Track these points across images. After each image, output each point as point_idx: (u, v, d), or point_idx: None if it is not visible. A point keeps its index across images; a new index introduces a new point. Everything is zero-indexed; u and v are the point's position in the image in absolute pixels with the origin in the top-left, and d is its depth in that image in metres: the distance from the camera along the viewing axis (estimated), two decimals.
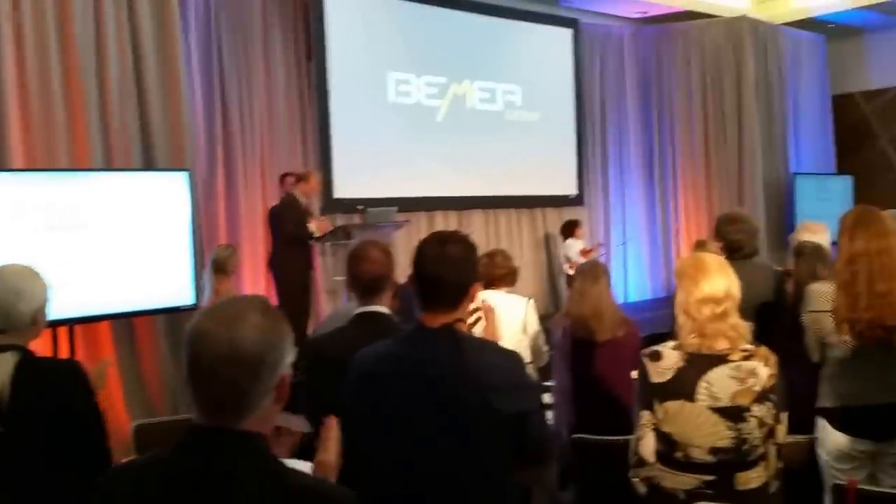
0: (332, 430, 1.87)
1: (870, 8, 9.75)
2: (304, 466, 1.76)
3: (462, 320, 2.07)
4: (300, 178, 6.81)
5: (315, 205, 7.17)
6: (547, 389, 4.05)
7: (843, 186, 10.43)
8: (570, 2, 9.29)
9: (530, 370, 3.99)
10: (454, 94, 8.64)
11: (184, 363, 1.34)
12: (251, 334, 1.31)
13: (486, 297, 3.93)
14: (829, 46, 11.20)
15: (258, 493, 1.29)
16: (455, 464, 1.93)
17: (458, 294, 2.02)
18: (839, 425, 3.19)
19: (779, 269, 4.16)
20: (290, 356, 1.39)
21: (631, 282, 10.03)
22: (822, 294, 3.29)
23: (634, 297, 9.85)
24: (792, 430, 3.07)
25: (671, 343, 2.40)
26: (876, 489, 2.98)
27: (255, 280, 7.18)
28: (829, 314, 3.18)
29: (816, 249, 3.85)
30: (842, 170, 11.07)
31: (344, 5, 7.81)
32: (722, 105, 10.12)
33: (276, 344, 1.35)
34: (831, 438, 3.20)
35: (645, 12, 9.86)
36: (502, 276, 4.06)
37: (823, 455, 3.23)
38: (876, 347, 3.11)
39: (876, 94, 11.13)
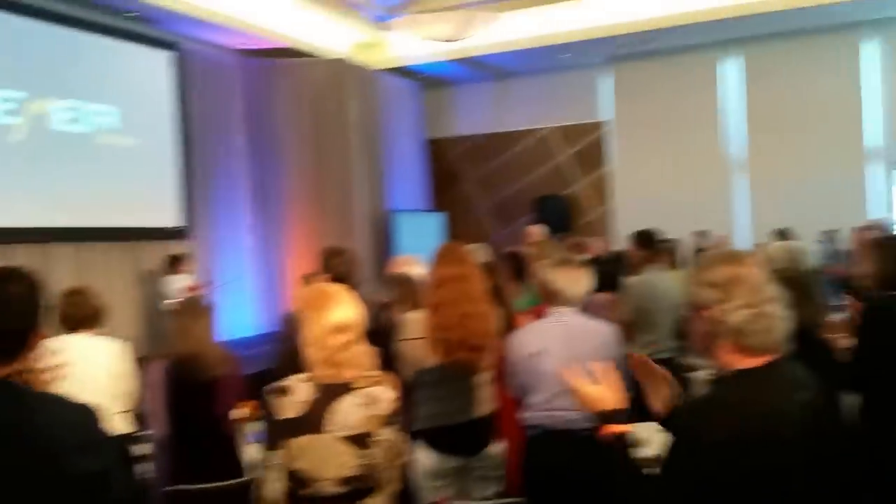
0: None
1: (456, 61, 10.92)
2: None
3: (23, 371, 1.75)
4: None
5: None
6: (140, 440, 3.72)
7: (436, 223, 11.46)
8: (169, 25, 8.87)
9: (123, 419, 3.63)
10: (34, 112, 7.67)
11: None
12: None
13: (69, 341, 3.51)
14: (423, 94, 12.31)
15: None
16: None
17: (16, 342, 1.71)
18: (431, 445, 3.39)
19: (379, 300, 4.37)
20: None
21: (238, 317, 9.82)
22: (414, 322, 3.50)
23: (241, 333, 9.64)
24: None
25: (301, 376, 2.31)
26: (459, 501, 3.21)
27: None
28: (421, 340, 3.38)
29: (406, 280, 4.11)
30: (435, 207, 12.18)
31: None
32: (327, 143, 10.48)
33: None
34: (424, 458, 3.38)
35: (247, 45, 9.82)
36: (87, 316, 3.65)
37: (418, 475, 3.39)
38: (461, 368, 3.38)
39: (462, 140, 12.49)
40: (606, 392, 1.95)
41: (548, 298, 3.30)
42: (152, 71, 8.95)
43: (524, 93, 11.96)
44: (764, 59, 10.52)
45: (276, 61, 10.27)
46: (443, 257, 3.55)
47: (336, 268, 4.04)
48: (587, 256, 7.35)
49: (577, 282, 3.28)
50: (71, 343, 3.48)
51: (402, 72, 11.41)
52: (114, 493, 1.77)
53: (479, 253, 5.54)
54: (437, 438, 3.40)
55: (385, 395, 2.33)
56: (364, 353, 2.36)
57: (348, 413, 2.26)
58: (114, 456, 1.90)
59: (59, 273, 7.24)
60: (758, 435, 1.65)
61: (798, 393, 1.76)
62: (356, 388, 2.29)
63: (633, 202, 10.99)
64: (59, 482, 1.65)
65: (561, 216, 11.27)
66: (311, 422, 2.25)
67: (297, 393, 2.28)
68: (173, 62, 9.14)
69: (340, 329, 2.30)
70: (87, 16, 8.13)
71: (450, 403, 3.41)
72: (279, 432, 2.27)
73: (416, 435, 3.38)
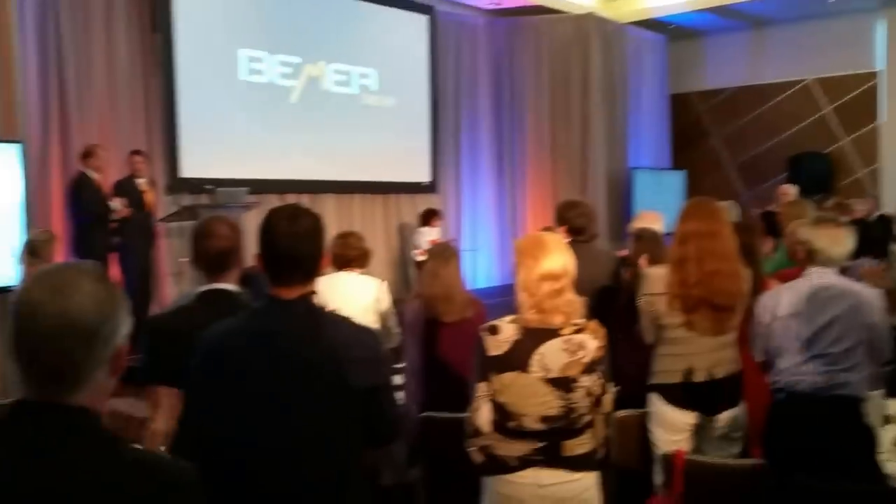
0: (165, 399, 1.79)
1: (709, 10, 10.41)
2: None
3: (314, 293, 2.04)
4: (87, 154, 6.41)
5: (146, 182, 6.81)
6: (397, 371, 4.08)
7: (677, 181, 11.12)
8: None
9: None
10: (309, 75, 8.48)
11: (10, 336, 1.24)
12: (83, 302, 1.24)
13: (339, 277, 3.94)
14: (669, 46, 11.87)
15: (91, 468, 1.22)
16: (305, 439, 1.91)
17: (312, 267, 2.00)
18: (669, 400, 3.40)
19: (617, 254, 4.39)
20: (125, 327, 1.31)
21: (480, 268, 10.25)
22: (656, 277, 3.49)
23: (483, 283, 10.07)
24: (623, 405, 3.25)
25: (509, 318, 2.47)
26: (700, 458, 3.20)
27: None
28: (663, 295, 3.37)
29: (652, 236, 4.09)
30: (676, 165, 11.79)
31: None
32: (568, 99, 10.50)
33: (110, 313, 1.27)
34: (662, 412, 3.41)
35: (498, 3, 10.06)
36: (355, 257, 4.06)
37: (654, 428, 3.43)
38: (704, 325, 3.33)
39: (710, 94, 11.91)
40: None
41: (805, 259, 3.16)
42: (410, 34, 9.49)
43: (783, 42, 11.10)
44: None
45: (522, 19, 10.42)
46: (691, 212, 3.48)
47: (572, 220, 4.10)
48: (850, 219, 6.84)
49: (839, 241, 3.10)
50: (340, 279, 3.90)
51: (650, 24, 11.07)
52: (383, 408, 2.03)
53: (729, 211, 5.37)
54: (675, 394, 3.40)
55: (590, 343, 2.40)
56: (572, 302, 2.44)
57: (553, 356, 2.37)
58: (386, 375, 2.17)
59: (325, 219, 8.01)
60: None
61: None
62: (562, 335, 2.39)
63: None
64: (341, 387, 1.91)
65: (820, 176, 10.44)
66: (516, 361, 2.39)
67: (504, 332, 2.43)
68: (428, 25, 9.62)
69: (551, 276, 2.40)
70: None
71: (693, 360, 3.39)
72: (487, 367, 2.44)
73: (653, 388, 3.42)
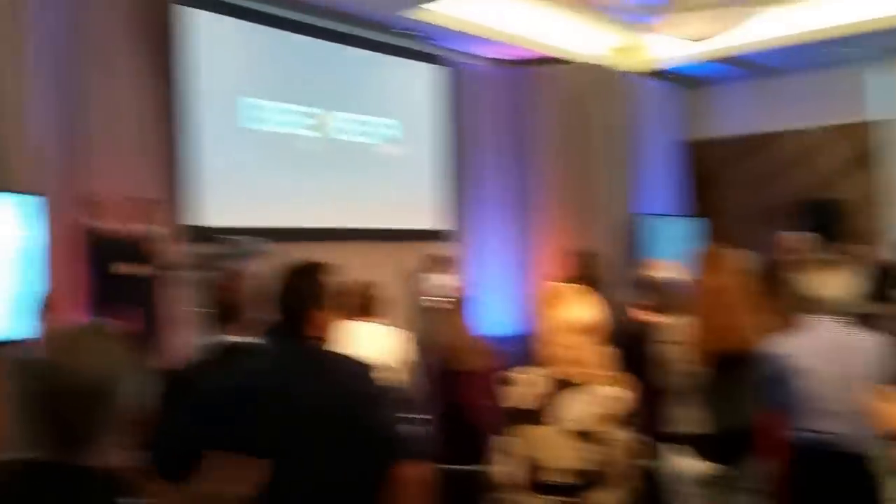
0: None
1: (721, 61, 10.53)
2: None
3: (323, 339, 2.14)
4: (97, 205, 6.46)
5: (161, 232, 6.85)
6: (415, 422, 4.06)
7: (689, 227, 11.12)
8: (439, 40, 9.50)
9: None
10: (321, 124, 8.62)
11: (20, 396, 1.27)
12: (89, 362, 1.26)
13: (358, 326, 3.96)
14: (682, 95, 11.98)
15: None
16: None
17: (316, 316, 2.12)
18: (694, 450, 3.38)
19: (624, 302, 4.40)
20: (133, 383, 1.33)
21: (495, 317, 10.23)
22: (670, 326, 3.50)
23: (498, 331, 10.03)
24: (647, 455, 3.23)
25: (535, 369, 2.47)
26: None
27: None
28: (679, 344, 3.38)
29: (662, 284, 4.10)
30: (695, 211, 11.79)
31: (207, 30, 7.65)
32: (582, 148, 10.59)
33: (116, 371, 1.30)
34: (682, 463, 3.38)
35: (510, 55, 10.22)
36: (374, 306, 4.08)
37: (673, 479, 3.40)
38: (723, 376, 3.32)
39: (722, 142, 11.98)
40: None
41: (806, 307, 3.06)
42: (422, 84, 9.67)
43: (789, 91, 11.21)
44: None
45: (535, 69, 10.57)
46: (702, 264, 3.52)
47: (582, 270, 4.14)
48: (860, 267, 6.83)
49: (838, 286, 3.02)
50: (360, 328, 3.92)
51: (660, 74, 11.21)
52: (383, 434, 2.11)
53: (744, 259, 5.37)
54: (696, 444, 3.38)
55: (618, 394, 2.39)
56: (599, 353, 2.44)
57: (576, 409, 2.36)
58: (386, 404, 2.24)
59: (339, 268, 8.04)
60: None
61: None
62: (587, 386, 2.39)
63: None
64: (345, 421, 2.03)
65: (828, 222, 10.41)
66: (539, 413, 2.39)
67: (530, 385, 2.43)
68: (442, 75, 9.80)
69: (573, 328, 2.41)
70: (364, 34, 8.96)
71: (711, 410, 3.37)
72: (512, 419, 2.44)
73: (671, 438, 3.40)
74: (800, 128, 11.18)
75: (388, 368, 3.47)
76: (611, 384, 2.41)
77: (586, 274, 4.16)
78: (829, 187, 10.92)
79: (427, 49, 9.63)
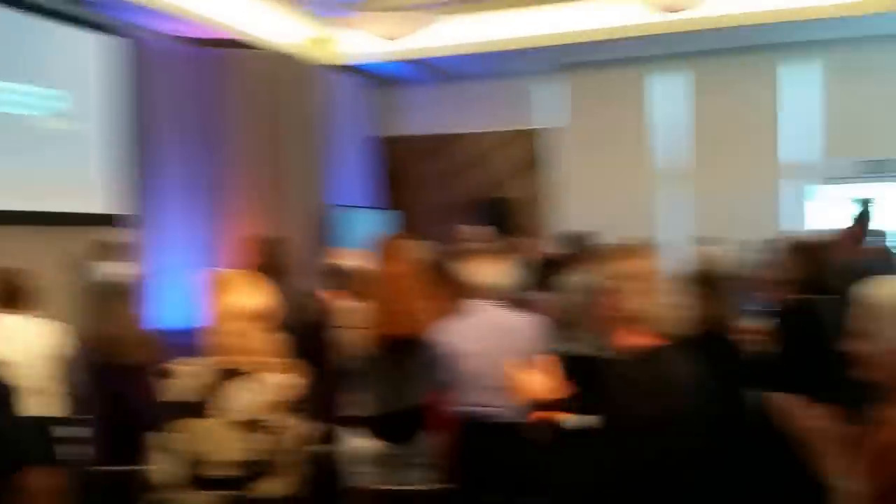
0: None
1: (410, 62, 10.97)
2: None
3: None
4: None
5: None
6: (78, 422, 3.70)
7: (381, 219, 11.48)
8: (118, 11, 8.75)
9: (53, 401, 3.61)
10: None
11: None
12: None
13: (4, 321, 3.48)
14: (375, 91, 12.31)
15: None
16: None
17: None
18: (364, 431, 3.46)
19: (313, 290, 4.41)
20: None
21: (174, 307, 9.70)
22: (348, 312, 3.56)
23: (177, 323, 9.52)
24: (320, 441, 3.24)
25: (200, 360, 2.34)
26: (388, 487, 3.28)
27: None
28: (355, 329, 3.44)
29: (342, 271, 4.17)
30: (386, 205, 12.20)
31: None
32: (273, 137, 10.42)
33: None
34: (354, 444, 3.45)
35: (199, 34, 9.73)
36: (22, 296, 3.62)
37: (345, 460, 3.46)
38: (396, 359, 3.45)
39: (413, 139, 12.54)
40: (541, 382, 2.05)
41: (469, 292, 3.30)
42: (96, 55, 8.81)
43: (473, 96, 12.11)
44: (696, 76, 10.91)
45: (225, 52, 10.19)
46: (380, 252, 3.62)
47: (265, 257, 4.06)
48: (524, 258, 7.53)
49: (498, 274, 3.29)
50: (6, 324, 3.45)
51: (353, 69, 11.42)
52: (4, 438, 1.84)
53: (421, 249, 5.63)
54: (370, 425, 3.46)
55: (286, 381, 2.37)
56: (268, 340, 2.39)
57: (243, 398, 2.30)
58: (10, 406, 1.95)
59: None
60: (669, 411, 1.79)
61: (683, 373, 1.90)
62: (253, 374, 2.33)
63: (573, 207, 11.22)
64: None
65: (502, 218, 11.44)
66: (203, 405, 2.29)
67: (194, 376, 2.32)
68: (121, 48, 9.02)
69: (240, 315, 2.34)
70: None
71: (383, 392, 3.48)
72: (171, 415, 2.31)
73: (347, 421, 3.45)
74: (478, 131, 12.12)
75: (31, 364, 3.12)
76: (281, 371, 2.36)
77: (269, 261, 4.07)
78: (503, 187, 11.97)
79: (103, 19, 8.82)
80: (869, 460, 1.62)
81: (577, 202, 11.28)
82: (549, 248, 9.41)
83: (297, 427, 2.41)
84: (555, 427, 1.91)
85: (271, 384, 2.32)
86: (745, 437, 3.10)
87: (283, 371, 2.38)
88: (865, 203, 3.59)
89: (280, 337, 2.42)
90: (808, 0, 8.81)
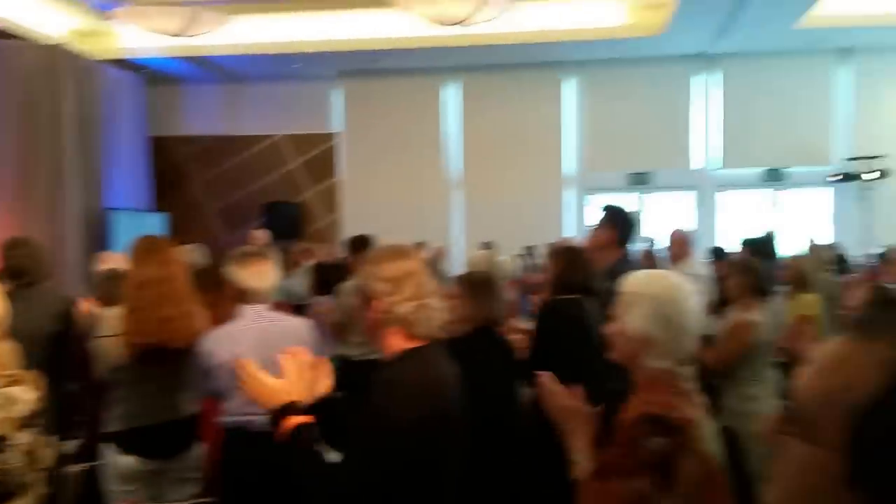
0: None
1: (186, 59, 10.50)
2: None
3: None
4: None
5: None
6: None
7: (157, 223, 10.91)
8: None
9: None
10: None
11: None
12: None
13: None
14: (149, 89, 11.66)
15: None
16: None
17: None
18: (124, 447, 3.26)
19: (74, 297, 4.11)
20: None
21: None
22: (111, 319, 3.35)
23: None
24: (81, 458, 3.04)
25: None
26: None
27: None
28: (117, 337, 3.24)
29: (109, 277, 3.92)
30: (160, 207, 11.59)
31: None
32: (37, 133, 9.57)
33: None
34: (115, 461, 3.25)
35: None
36: None
37: (109, 479, 3.25)
38: (159, 369, 3.28)
39: (191, 140, 12.03)
40: (285, 384, 2.01)
41: (238, 297, 3.21)
42: None
43: (256, 98, 11.88)
44: (481, 88, 11.43)
45: None
46: (144, 256, 3.42)
47: (14, 259, 3.72)
48: (312, 262, 7.48)
49: (265, 277, 3.23)
50: None
51: (126, 64, 10.78)
52: None
53: (193, 253, 5.41)
54: (131, 440, 3.28)
55: (23, 395, 2.19)
56: (2, 352, 2.21)
57: None
58: None
59: None
60: (436, 411, 1.85)
61: (449, 373, 1.98)
62: None
63: (361, 212, 11.32)
64: None
65: (290, 223, 11.31)
66: None
67: None
68: None
69: None
70: None
71: (147, 404, 3.30)
72: None
73: (108, 437, 3.25)
74: (266, 133, 11.87)
75: None
76: (11, 384, 2.18)
77: (19, 264, 3.74)
78: (291, 191, 11.81)
79: None
80: (609, 436, 1.78)
81: (362, 207, 11.39)
82: (336, 252, 9.44)
83: (31, 444, 2.22)
84: (306, 431, 1.88)
85: (15, 398, 2.14)
86: (519, 429, 3.27)
87: (28, 384, 2.20)
88: (619, 210, 3.92)
89: (9, 347, 2.23)
90: (574, 22, 9.46)
